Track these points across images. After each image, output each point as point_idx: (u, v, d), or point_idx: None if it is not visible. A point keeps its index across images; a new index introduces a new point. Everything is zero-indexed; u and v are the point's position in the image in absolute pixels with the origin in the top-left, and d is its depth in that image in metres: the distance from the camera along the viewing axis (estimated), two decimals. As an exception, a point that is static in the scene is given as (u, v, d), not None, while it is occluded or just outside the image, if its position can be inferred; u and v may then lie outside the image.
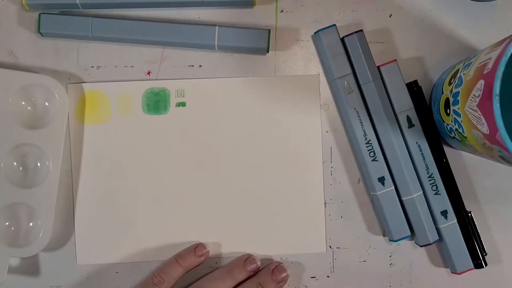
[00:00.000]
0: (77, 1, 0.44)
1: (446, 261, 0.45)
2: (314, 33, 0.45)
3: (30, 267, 0.45)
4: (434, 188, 0.43)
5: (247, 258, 0.44)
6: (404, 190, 0.43)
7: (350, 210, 0.45)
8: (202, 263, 0.45)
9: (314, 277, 0.46)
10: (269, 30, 0.44)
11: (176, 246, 0.46)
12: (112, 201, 0.46)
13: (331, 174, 0.45)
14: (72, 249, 0.45)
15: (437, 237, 0.43)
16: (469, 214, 0.44)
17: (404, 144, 0.43)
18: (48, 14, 0.44)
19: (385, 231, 0.45)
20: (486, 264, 0.44)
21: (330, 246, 0.46)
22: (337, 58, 0.43)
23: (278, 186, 0.46)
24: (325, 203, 0.45)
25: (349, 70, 0.44)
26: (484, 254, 0.44)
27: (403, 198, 0.43)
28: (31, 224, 0.44)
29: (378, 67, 0.44)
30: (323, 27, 0.44)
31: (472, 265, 0.44)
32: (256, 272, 0.44)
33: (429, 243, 0.43)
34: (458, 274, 0.44)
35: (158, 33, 0.44)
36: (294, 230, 0.45)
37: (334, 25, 0.44)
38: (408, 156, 0.43)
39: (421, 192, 0.43)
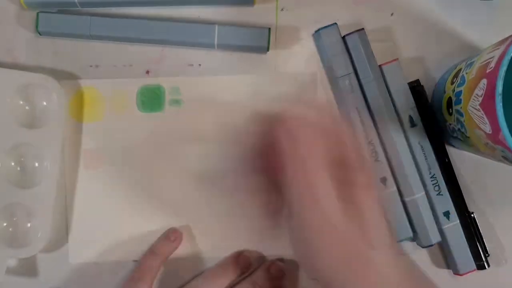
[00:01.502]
0: (76, 0, 0.43)
1: (448, 262, 0.45)
2: (315, 31, 0.45)
3: (28, 268, 0.45)
4: (437, 188, 0.43)
5: (240, 255, 0.44)
6: (406, 190, 0.43)
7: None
8: (176, 248, 0.44)
9: (315, 278, 0.45)
10: (269, 28, 0.44)
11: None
12: (106, 199, 0.45)
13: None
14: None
15: (439, 239, 0.43)
16: (472, 215, 0.44)
17: (406, 144, 0.43)
18: (46, 13, 0.44)
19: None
20: (488, 265, 0.43)
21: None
22: (338, 57, 0.43)
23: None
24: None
25: (351, 69, 0.43)
26: (487, 255, 0.44)
27: (405, 199, 0.43)
28: (29, 224, 0.44)
29: (379, 66, 0.43)
30: (323, 25, 0.43)
31: (474, 266, 0.43)
32: (249, 268, 0.44)
33: (431, 244, 0.43)
34: (461, 275, 0.43)
35: (157, 32, 0.44)
36: None
37: (335, 23, 0.43)
38: (411, 156, 0.43)
39: (423, 192, 0.43)
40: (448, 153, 0.44)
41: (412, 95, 0.43)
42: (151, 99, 0.45)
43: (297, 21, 0.45)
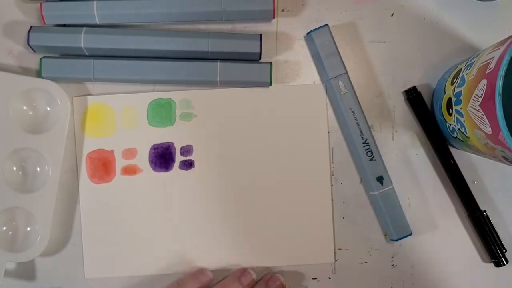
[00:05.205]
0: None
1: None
2: (307, 33, 0.45)
3: (26, 271, 0.45)
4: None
5: (243, 272, 0.44)
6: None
7: (351, 211, 0.45)
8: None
9: (316, 278, 0.45)
10: (271, 63, 0.44)
11: (183, 259, 0.45)
12: (119, 214, 0.45)
13: (333, 175, 0.45)
14: (69, 253, 0.45)
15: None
16: (484, 213, 0.44)
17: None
18: (49, 58, 0.44)
19: (386, 231, 0.45)
20: (507, 262, 0.43)
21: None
22: (330, 58, 0.43)
23: (286, 197, 0.45)
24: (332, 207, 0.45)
25: (343, 70, 0.43)
26: (504, 251, 0.44)
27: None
28: (28, 229, 0.44)
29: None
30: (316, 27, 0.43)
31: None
32: (252, 286, 0.44)
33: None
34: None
35: (160, 72, 0.44)
36: (302, 241, 0.45)
37: (326, 25, 0.43)
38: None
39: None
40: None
41: (408, 101, 0.44)
42: (162, 113, 0.45)
43: (297, 22, 0.45)
